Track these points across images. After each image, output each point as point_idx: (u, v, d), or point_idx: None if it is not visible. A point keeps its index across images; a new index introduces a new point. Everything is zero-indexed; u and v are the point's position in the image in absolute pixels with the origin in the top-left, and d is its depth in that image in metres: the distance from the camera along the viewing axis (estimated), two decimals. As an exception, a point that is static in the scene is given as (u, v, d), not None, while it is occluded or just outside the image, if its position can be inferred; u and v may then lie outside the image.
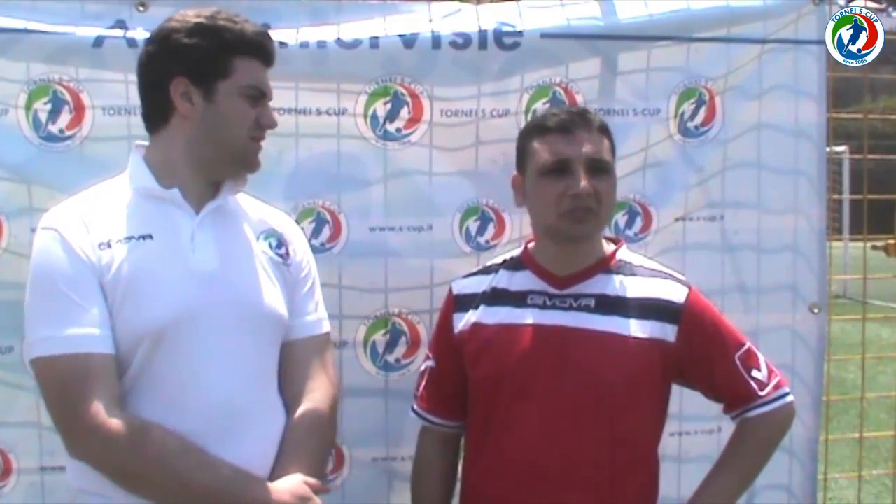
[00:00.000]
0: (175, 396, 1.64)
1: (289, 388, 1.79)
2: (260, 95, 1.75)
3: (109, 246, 1.64)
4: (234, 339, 1.69)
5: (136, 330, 1.63)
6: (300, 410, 1.76)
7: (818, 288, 2.51)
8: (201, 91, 1.70)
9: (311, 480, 1.69)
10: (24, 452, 2.21)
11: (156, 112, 1.75)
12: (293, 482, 1.67)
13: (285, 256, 1.83)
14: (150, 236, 1.67)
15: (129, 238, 1.66)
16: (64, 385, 1.59)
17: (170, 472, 1.58)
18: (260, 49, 1.75)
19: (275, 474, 1.69)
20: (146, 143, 1.79)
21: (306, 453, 1.73)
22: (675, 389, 1.95)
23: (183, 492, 1.59)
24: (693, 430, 2.42)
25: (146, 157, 1.75)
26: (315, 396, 1.78)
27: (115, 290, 1.63)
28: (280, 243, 1.83)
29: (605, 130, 1.87)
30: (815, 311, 2.50)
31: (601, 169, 1.82)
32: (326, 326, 1.89)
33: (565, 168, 1.81)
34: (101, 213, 1.69)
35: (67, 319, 1.60)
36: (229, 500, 1.61)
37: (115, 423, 1.56)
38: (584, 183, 1.78)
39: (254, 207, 1.87)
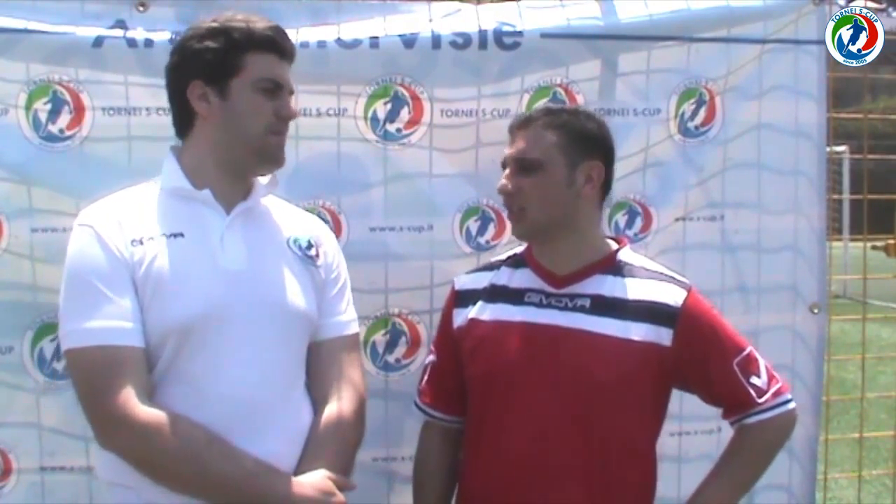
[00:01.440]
0: (200, 391, 1.66)
1: (317, 387, 1.81)
2: (276, 88, 1.77)
3: (142, 243, 1.68)
4: (259, 336, 1.71)
5: (164, 325, 1.65)
6: (327, 409, 1.78)
7: (818, 288, 2.51)
8: (216, 91, 1.73)
9: (335, 476, 1.71)
10: (24, 452, 2.21)
11: (181, 118, 1.79)
12: (317, 477, 1.69)
13: (315, 258, 1.85)
14: (182, 234, 1.71)
15: (161, 235, 1.70)
16: (93, 375, 1.63)
17: (196, 463, 1.61)
18: (271, 43, 1.76)
19: (299, 470, 1.71)
20: (180, 144, 1.82)
21: (331, 451, 1.75)
22: (676, 390, 1.95)
23: (208, 483, 1.61)
24: (693, 430, 2.42)
25: (180, 157, 1.79)
26: (342, 395, 1.80)
27: (145, 285, 1.66)
28: (310, 245, 1.86)
29: (557, 126, 1.86)
30: (815, 311, 2.51)
31: (524, 167, 1.85)
32: (355, 327, 1.91)
33: (505, 168, 1.89)
34: (135, 211, 1.73)
35: (99, 312, 1.63)
36: (253, 492, 1.63)
37: (143, 414, 1.59)
38: (501, 182, 1.87)
39: (284, 210, 1.90)
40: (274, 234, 1.82)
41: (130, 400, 1.59)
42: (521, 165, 1.85)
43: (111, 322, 1.62)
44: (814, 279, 2.51)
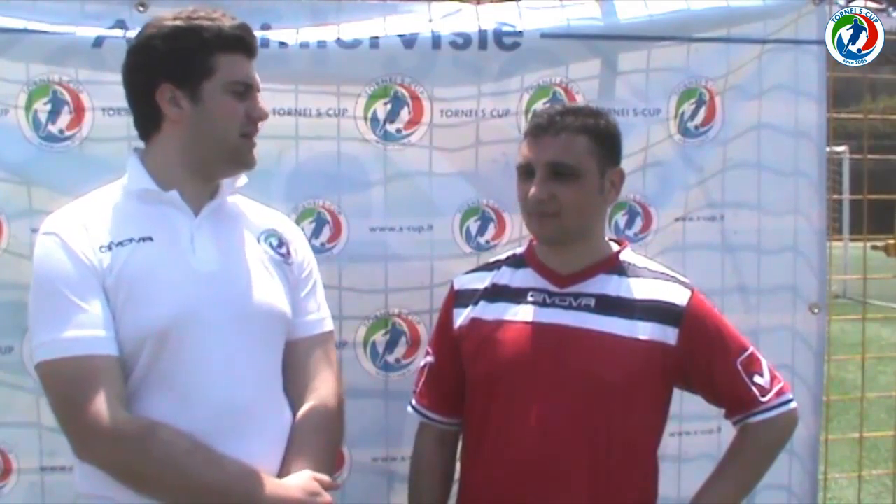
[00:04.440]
0: (180, 396, 1.64)
1: (294, 386, 1.80)
2: (246, 89, 1.73)
3: (110, 249, 1.64)
4: (236, 338, 1.69)
5: (139, 331, 1.63)
6: (306, 408, 1.77)
7: (818, 288, 2.51)
8: (187, 94, 1.69)
9: (320, 476, 1.70)
10: (24, 452, 2.21)
11: (147, 120, 1.75)
12: (303, 478, 1.68)
13: (286, 256, 1.83)
14: (150, 238, 1.67)
15: (130, 240, 1.66)
16: (68, 387, 1.59)
17: (179, 472, 1.58)
18: (240, 42, 1.72)
19: (283, 471, 1.70)
20: (143, 146, 1.79)
21: (314, 450, 1.74)
22: (676, 390, 1.95)
23: (192, 491, 1.59)
24: (693, 430, 2.42)
25: (144, 160, 1.75)
26: (320, 394, 1.79)
27: (117, 292, 1.63)
28: (281, 243, 1.84)
29: (587, 131, 1.83)
30: (815, 311, 2.50)
31: (561, 173, 1.80)
32: (329, 325, 1.90)
33: (531, 172, 1.83)
34: (101, 216, 1.69)
35: (70, 322, 1.59)
36: (239, 498, 1.61)
37: (123, 424, 1.57)
38: (533, 189, 1.80)
39: (253, 209, 1.88)
40: (244, 233, 1.80)
41: (108, 410, 1.56)
42: (554, 171, 1.80)
43: (83, 331, 1.59)
44: (814, 279, 2.50)
